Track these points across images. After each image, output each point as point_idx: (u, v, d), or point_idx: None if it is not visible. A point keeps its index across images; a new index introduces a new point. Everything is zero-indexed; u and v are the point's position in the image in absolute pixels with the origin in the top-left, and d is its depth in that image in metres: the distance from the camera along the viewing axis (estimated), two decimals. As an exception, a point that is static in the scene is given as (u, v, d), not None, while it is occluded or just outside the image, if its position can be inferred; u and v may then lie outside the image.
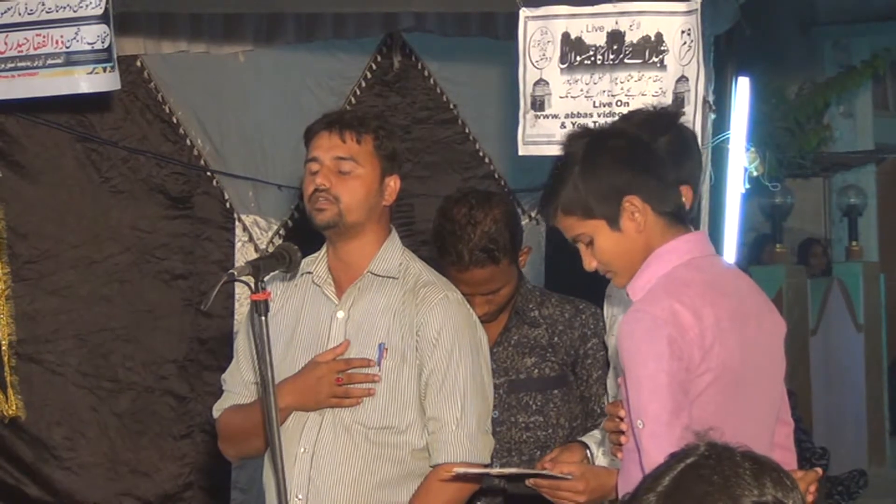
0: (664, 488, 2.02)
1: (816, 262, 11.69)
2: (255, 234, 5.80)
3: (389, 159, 3.83)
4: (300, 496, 3.79)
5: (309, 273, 3.92)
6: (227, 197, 5.76)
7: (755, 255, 11.54)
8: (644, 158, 3.30)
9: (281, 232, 5.83)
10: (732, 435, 3.13)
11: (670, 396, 3.13)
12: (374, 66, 6.04)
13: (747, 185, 6.81)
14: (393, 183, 3.84)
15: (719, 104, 5.25)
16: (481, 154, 6.22)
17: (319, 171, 3.78)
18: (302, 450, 3.81)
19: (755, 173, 7.03)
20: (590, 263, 3.33)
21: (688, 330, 3.15)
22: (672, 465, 2.05)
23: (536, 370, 4.33)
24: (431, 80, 6.14)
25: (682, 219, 3.33)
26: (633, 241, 3.27)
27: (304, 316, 3.90)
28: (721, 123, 5.82)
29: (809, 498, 3.29)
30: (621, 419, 3.27)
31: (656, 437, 3.11)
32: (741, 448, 2.05)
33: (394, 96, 6.08)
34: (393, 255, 3.87)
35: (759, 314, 3.35)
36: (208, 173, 5.73)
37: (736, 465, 2.02)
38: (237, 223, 5.79)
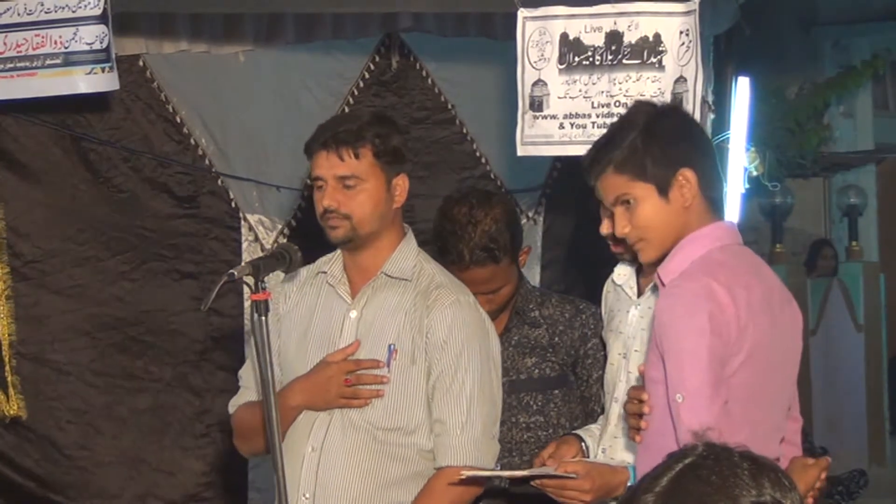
0: (662, 488, 2.02)
1: (825, 264, 11.66)
2: (260, 234, 5.80)
3: (392, 162, 3.81)
4: (307, 495, 3.79)
5: (323, 273, 3.93)
6: (232, 196, 5.76)
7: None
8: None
9: (285, 231, 5.83)
10: (761, 417, 3.17)
11: (710, 371, 3.15)
12: (372, 67, 6.03)
13: (747, 185, 6.81)
14: (401, 182, 3.83)
15: (719, 104, 5.25)
16: (478, 154, 6.23)
17: (325, 191, 3.78)
18: (310, 449, 3.81)
19: (755, 173, 7.02)
20: (623, 228, 3.33)
21: (726, 307, 3.17)
22: (670, 464, 2.05)
23: (537, 370, 4.33)
24: (429, 80, 6.14)
25: (720, 208, 3.37)
26: (675, 214, 3.30)
27: (318, 314, 3.91)
28: (721, 123, 5.82)
29: (818, 484, 3.33)
30: (642, 402, 3.28)
31: (696, 412, 3.12)
32: (739, 448, 2.05)
33: (391, 96, 6.08)
34: (408, 256, 3.87)
35: (783, 303, 3.38)
36: (212, 173, 5.72)
37: (734, 466, 2.01)
38: (243, 223, 5.79)
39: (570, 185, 5.83)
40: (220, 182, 5.72)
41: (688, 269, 3.25)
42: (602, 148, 3.36)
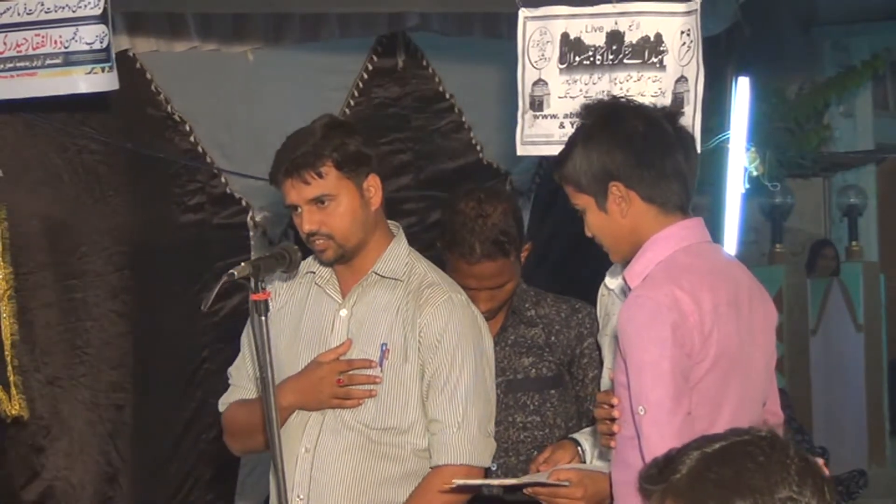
0: (711, 451, 2.04)
1: (826, 264, 11.60)
2: (267, 229, 5.82)
3: (357, 167, 3.78)
4: (301, 496, 3.79)
5: (312, 273, 3.92)
6: (236, 195, 5.76)
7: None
8: (644, 145, 3.33)
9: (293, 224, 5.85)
10: (729, 420, 3.16)
11: (672, 383, 3.15)
12: (374, 59, 6.07)
13: (747, 185, 6.81)
14: (373, 183, 3.81)
15: (719, 104, 5.27)
16: (475, 142, 6.27)
17: (303, 216, 3.78)
18: (303, 449, 3.82)
19: (755, 173, 7.03)
20: (587, 231, 3.41)
21: (689, 316, 3.17)
22: (728, 436, 2.07)
23: (534, 370, 4.32)
24: (430, 70, 6.19)
25: (679, 207, 3.35)
26: (617, 224, 3.33)
27: (308, 313, 3.90)
28: (721, 123, 5.83)
29: None
30: (612, 406, 3.28)
31: (658, 424, 3.13)
32: (799, 449, 2.06)
33: (394, 87, 6.12)
34: (399, 255, 3.86)
35: (752, 301, 3.37)
36: (215, 170, 5.72)
37: (786, 457, 2.03)
38: (249, 220, 5.80)
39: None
40: (223, 179, 5.72)
41: (652, 273, 3.26)
42: (557, 160, 3.44)
